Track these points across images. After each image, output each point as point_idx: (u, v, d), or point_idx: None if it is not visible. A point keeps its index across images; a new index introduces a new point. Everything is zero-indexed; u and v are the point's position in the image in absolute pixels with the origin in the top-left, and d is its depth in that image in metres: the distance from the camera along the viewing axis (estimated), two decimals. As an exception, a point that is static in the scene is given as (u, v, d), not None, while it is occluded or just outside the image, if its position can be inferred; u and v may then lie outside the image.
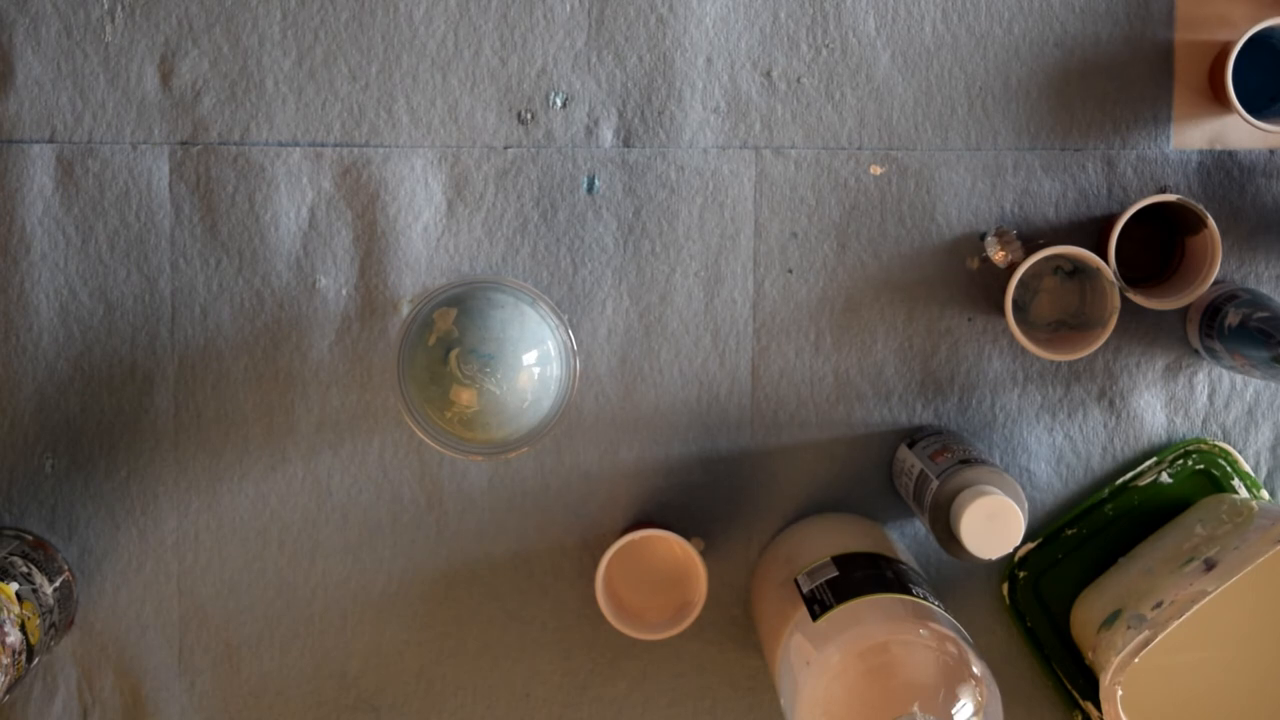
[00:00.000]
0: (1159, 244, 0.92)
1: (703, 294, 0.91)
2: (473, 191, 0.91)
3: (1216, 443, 0.92)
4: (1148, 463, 0.92)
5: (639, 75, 0.90)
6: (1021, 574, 0.92)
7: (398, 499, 0.92)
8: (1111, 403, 0.92)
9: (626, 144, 0.91)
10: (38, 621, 0.84)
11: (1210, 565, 0.81)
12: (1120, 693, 0.80)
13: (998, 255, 0.90)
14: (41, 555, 0.88)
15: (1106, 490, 0.92)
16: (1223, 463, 0.91)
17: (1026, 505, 0.82)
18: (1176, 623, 0.79)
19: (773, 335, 0.91)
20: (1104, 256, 0.88)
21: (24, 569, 0.85)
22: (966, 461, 0.83)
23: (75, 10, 0.89)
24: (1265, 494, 0.92)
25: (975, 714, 0.73)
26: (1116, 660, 0.80)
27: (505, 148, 0.91)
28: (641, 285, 0.91)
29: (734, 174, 0.91)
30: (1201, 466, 0.92)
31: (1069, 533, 0.92)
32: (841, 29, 0.91)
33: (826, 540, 0.87)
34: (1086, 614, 0.88)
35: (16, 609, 0.82)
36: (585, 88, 0.90)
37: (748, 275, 0.91)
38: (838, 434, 0.92)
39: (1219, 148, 0.91)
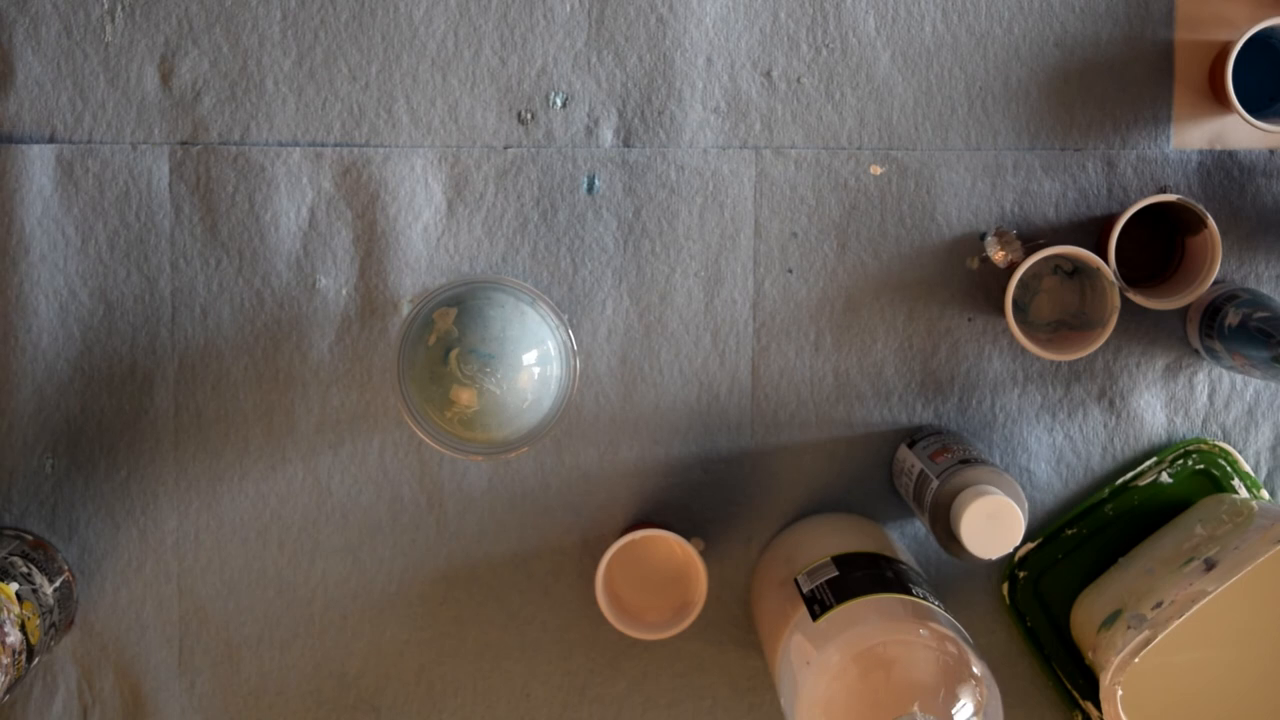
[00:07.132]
0: (1159, 244, 0.92)
1: (703, 294, 0.91)
2: (473, 191, 0.91)
3: (1216, 443, 0.92)
4: (1148, 463, 0.92)
5: (639, 75, 0.90)
6: (1021, 574, 0.92)
7: (398, 499, 0.92)
8: (1111, 403, 0.92)
9: (626, 144, 0.91)
10: (38, 621, 0.84)
11: (1210, 565, 0.81)
12: (1120, 693, 0.80)
13: (998, 255, 0.90)
14: (41, 555, 0.88)
15: (1106, 490, 0.92)
16: (1223, 463, 0.91)
17: (1026, 505, 0.82)
18: (1176, 623, 0.79)
19: (773, 335, 0.91)
20: (1104, 256, 0.87)
21: (24, 569, 0.85)
22: (966, 461, 0.83)
23: (75, 10, 0.89)
24: (1265, 494, 0.92)
25: (975, 714, 0.73)
26: (1116, 660, 0.80)
27: (505, 148, 0.91)
28: (641, 285, 0.91)
29: (734, 174, 0.91)
30: (1201, 466, 0.92)
31: (1069, 533, 0.92)
32: (841, 29, 0.91)
33: (826, 540, 0.87)
34: (1086, 614, 0.88)
35: (16, 609, 0.82)
36: (585, 88, 0.90)
37: (748, 275, 0.91)
38: (838, 434, 0.92)
39: (1219, 148, 0.91)
